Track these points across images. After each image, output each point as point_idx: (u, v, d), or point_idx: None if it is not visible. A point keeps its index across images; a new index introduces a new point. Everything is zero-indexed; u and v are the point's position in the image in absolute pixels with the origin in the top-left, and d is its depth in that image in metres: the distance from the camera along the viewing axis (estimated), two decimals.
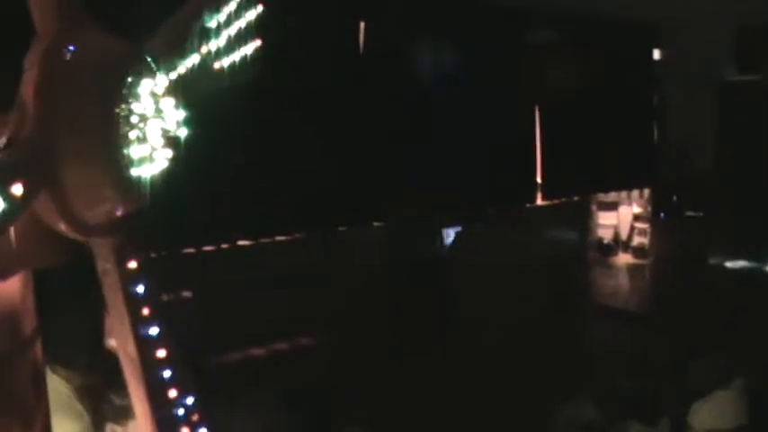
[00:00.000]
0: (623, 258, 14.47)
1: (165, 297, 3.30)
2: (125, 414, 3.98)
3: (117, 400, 4.03)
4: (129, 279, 2.93)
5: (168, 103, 2.94)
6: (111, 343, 3.34)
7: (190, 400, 3.06)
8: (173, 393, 3.00)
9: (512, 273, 11.14)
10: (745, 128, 12.76)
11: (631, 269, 14.02)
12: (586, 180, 12.68)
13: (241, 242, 8.75)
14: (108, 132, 2.72)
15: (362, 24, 9.86)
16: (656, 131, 13.57)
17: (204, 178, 5.59)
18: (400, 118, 10.11)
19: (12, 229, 2.70)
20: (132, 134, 2.77)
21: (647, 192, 14.48)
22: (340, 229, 10.27)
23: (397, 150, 10.01)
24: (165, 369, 2.96)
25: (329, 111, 9.25)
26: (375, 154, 9.77)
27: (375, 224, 10.59)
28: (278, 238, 9.30)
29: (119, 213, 2.88)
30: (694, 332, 9.07)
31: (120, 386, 4.07)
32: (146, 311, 2.96)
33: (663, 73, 13.70)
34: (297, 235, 9.46)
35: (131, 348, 2.95)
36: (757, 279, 12.66)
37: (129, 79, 2.78)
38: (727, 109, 12.97)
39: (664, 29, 13.16)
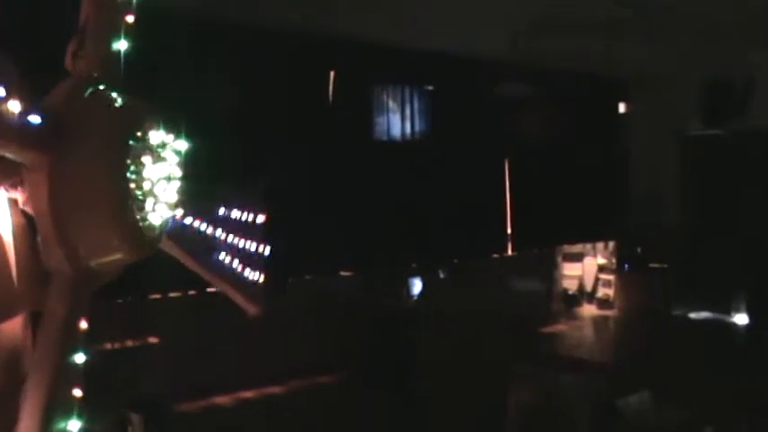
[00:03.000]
0: (588, 309, 14.53)
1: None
2: None
3: None
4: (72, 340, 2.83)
5: (170, 144, 3.01)
6: None
7: None
8: None
9: (476, 323, 11.15)
10: (708, 181, 12.94)
11: (596, 320, 14.07)
12: (555, 231, 12.78)
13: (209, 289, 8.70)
14: (116, 185, 2.77)
15: (332, 78, 9.96)
16: (621, 184, 13.72)
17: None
18: (369, 170, 10.17)
19: (14, 272, 2.73)
20: (141, 186, 2.83)
21: (611, 243, 14.61)
22: (307, 277, 10.25)
23: (365, 200, 10.04)
24: None
25: (300, 163, 9.30)
26: (342, 204, 9.80)
27: (342, 273, 10.57)
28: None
29: (125, 263, 2.95)
30: (660, 383, 9.09)
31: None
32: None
33: (628, 126, 13.91)
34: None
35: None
36: (720, 330, 12.75)
37: (138, 134, 2.83)
38: (691, 162, 13.15)
39: (630, 82, 13.39)
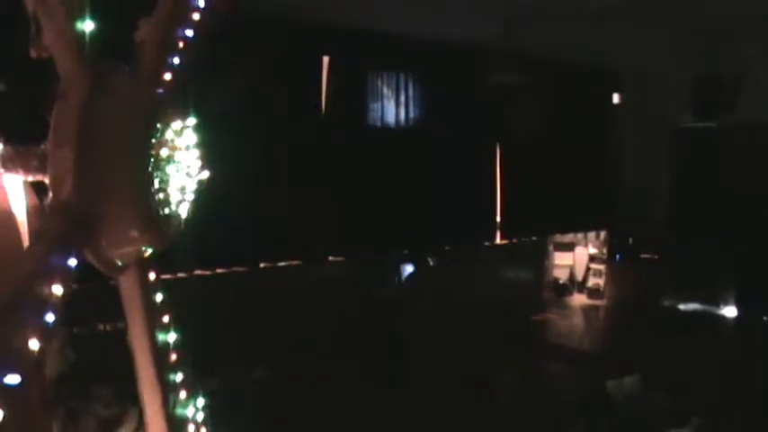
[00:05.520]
0: (578, 299, 14.60)
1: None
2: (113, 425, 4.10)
3: (104, 412, 4.15)
4: (149, 289, 3.20)
5: (189, 139, 3.06)
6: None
7: (199, 402, 3.59)
8: (183, 394, 3.46)
9: (466, 310, 11.19)
10: (699, 173, 13.00)
11: (586, 309, 14.12)
12: (545, 221, 12.78)
13: (202, 271, 8.73)
14: (138, 178, 2.84)
15: (324, 69, 9.93)
16: (612, 175, 13.71)
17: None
18: (362, 157, 10.16)
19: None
20: (160, 178, 2.90)
21: (603, 234, 14.64)
22: (296, 263, 10.23)
23: (356, 186, 10.04)
24: (177, 372, 3.39)
25: (292, 149, 9.30)
26: (333, 190, 9.80)
27: (331, 259, 10.55)
28: (237, 269, 9.28)
29: (144, 253, 3.04)
30: (648, 373, 9.16)
31: (102, 398, 4.14)
32: (164, 319, 3.30)
33: (621, 117, 13.90)
34: (260, 265, 9.43)
35: (147, 353, 3.17)
36: (709, 321, 12.83)
37: (158, 125, 2.88)
38: (682, 154, 13.20)
39: (623, 74, 13.38)
